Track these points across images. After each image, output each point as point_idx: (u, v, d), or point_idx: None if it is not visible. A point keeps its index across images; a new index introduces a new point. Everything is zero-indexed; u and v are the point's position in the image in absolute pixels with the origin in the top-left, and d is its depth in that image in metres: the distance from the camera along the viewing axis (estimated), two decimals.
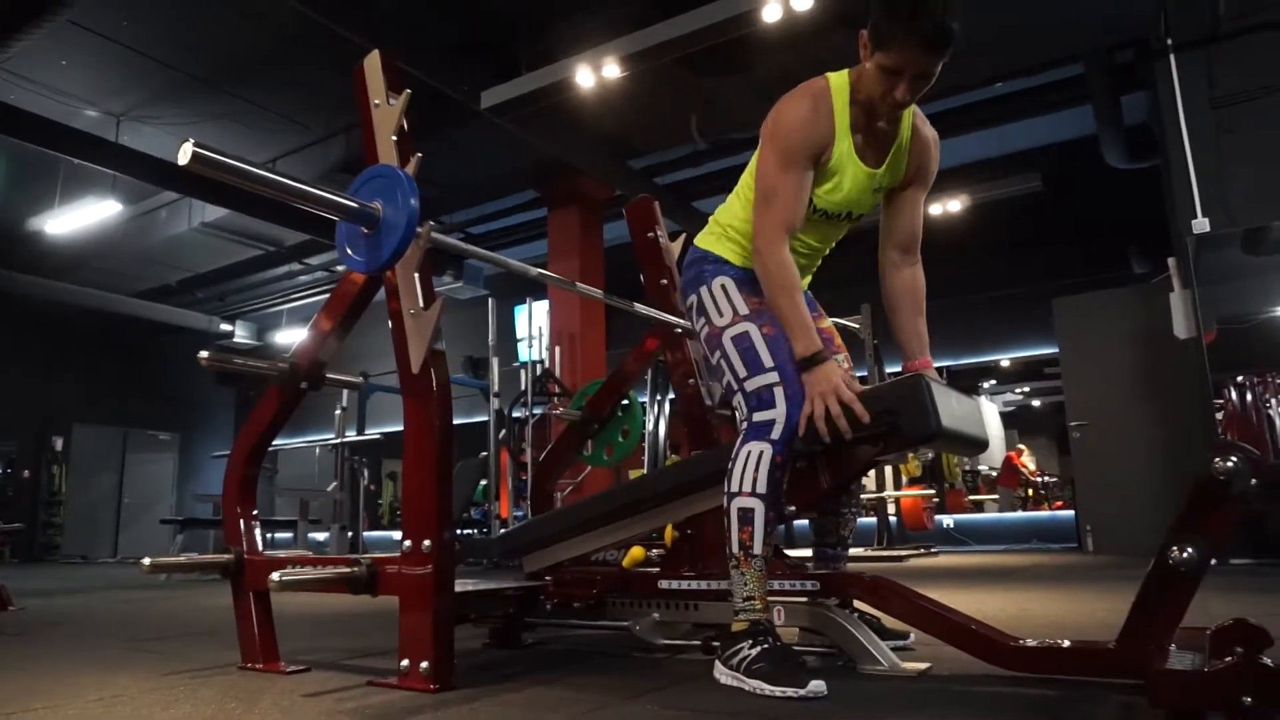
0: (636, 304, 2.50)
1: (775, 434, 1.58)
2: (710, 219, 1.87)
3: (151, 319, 11.17)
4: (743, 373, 1.65)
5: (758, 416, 1.61)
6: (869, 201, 1.80)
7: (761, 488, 1.56)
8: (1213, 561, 1.22)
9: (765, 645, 1.51)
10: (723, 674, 1.54)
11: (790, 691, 1.41)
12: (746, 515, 1.57)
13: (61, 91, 6.74)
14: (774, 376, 1.61)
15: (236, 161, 1.45)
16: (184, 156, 1.37)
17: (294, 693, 1.58)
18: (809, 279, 1.91)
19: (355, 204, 1.61)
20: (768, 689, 1.44)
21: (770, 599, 1.72)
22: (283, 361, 2.06)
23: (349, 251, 1.68)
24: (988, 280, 8.15)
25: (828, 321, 1.93)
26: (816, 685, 1.41)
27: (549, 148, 6.77)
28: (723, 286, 1.74)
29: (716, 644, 1.83)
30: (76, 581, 6.06)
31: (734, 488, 1.59)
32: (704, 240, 1.85)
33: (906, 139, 1.76)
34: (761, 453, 1.57)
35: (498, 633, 2.18)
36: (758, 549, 1.57)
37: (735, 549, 1.58)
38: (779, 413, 1.59)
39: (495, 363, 6.04)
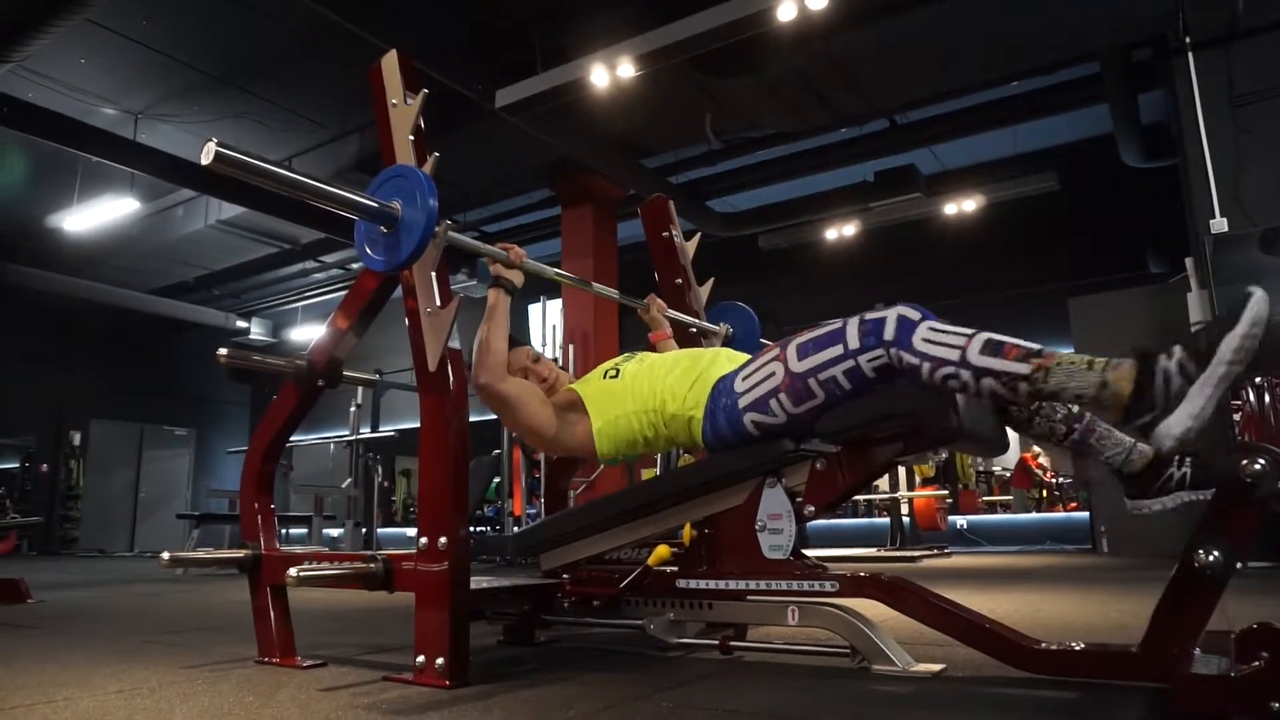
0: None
1: (915, 315, 1.49)
2: None
3: (168, 315, 11.27)
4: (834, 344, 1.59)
5: (888, 333, 1.50)
6: None
7: (966, 329, 1.43)
8: (1238, 566, 1.21)
9: (1168, 344, 1.28)
10: (1182, 418, 1.23)
11: (1248, 320, 1.19)
12: (992, 343, 1.39)
13: (80, 89, 6.80)
14: (840, 320, 1.60)
15: (258, 161, 1.46)
16: (206, 156, 1.37)
17: (310, 687, 1.59)
18: None
19: (375, 203, 1.62)
20: (1234, 339, 1.20)
21: (786, 599, 1.72)
22: (300, 359, 2.07)
23: (368, 250, 1.68)
24: (1003, 280, 8.11)
25: None
26: (1257, 298, 1.19)
27: (563, 147, 6.78)
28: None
29: (734, 643, 1.84)
30: (94, 575, 6.11)
31: (955, 357, 1.41)
32: None
33: None
34: (930, 326, 1.47)
35: (513, 629, 2.18)
36: (1035, 345, 1.37)
37: (1026, 369, 1.35)
38: (892, 311, 1.51)
39: None
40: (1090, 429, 1.60)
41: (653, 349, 2.61)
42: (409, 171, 1.66)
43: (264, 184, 1.49)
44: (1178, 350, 1.26)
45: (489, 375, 1.87)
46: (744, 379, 1.75)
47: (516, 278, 1.94)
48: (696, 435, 1.83)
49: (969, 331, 1.44)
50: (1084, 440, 1.59)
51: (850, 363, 1.56)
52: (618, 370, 1.99)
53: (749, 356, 1.84)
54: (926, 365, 1.45)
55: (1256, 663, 1.13)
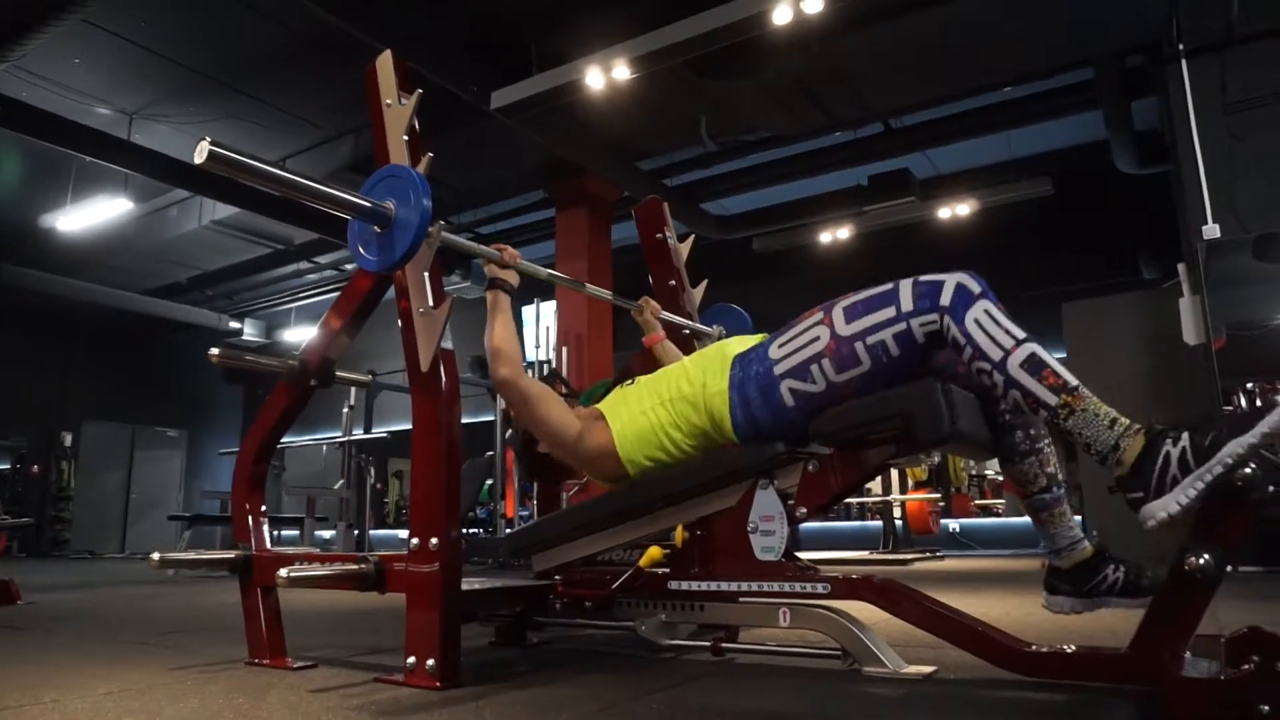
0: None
1: (976, 288, 1.48)
2: None
3: (161, 316, 11.22)
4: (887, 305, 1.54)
5: (945, 298, 1.48)
6: None
7: (1019, 333, 1.41)
8: (1228, 569, 1.21)
9: (1182, 430, 1.27)
10: (1168, 504, 1.25)
11: (1260, 431, 1.16)
12: (1033, 361, 1.38)
13: (74, 89, 6.78)
14: (891, 283, 1.56)
15: (253, 161, 1.45)
16: (200, 155, 1.37)
17: (301, 688, 1.58)
18: None
19: (369, 203, 1.61)
20: (1238, 446, 1.18)
21: (778, 601, 1.71)
22: (292, 359, 2.07)
23: (361, 250, 1.68)
24: (996, 284, 7.88)
25: None
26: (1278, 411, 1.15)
27: (558, 149, 6.78)
28: None
29: (725, 645, 1.84)
30: (85, 576, 6.08)
31: (996, 356, 1.40)
32: None
33: None
34: (986, 309, 1.45)
35: (504, 631, 2.18)
36: (1073, 380, 1.36)
37: (1054, 400, 1.35)
38: (951, 278, 1.49)
39: None
40: (1059, 503, 1.60)
41: (647, 353, 2.61)
42: (402, 171, 1.66)
43: (257, 183, 1.49)
44: (1185, 438, 1.27)
45: (510, 368, 1.83)
46: (780, 345, 1.67)
47: (512, 278, 1.93)
48: (723, 414, 1.72)
49: (1020, 335, 1.42)
50: (1048, 508, 1.60)
51: (902, 325, 1.51)
52: (633, 380, 1.96)
53: (765, 337, 1.78)
54: (969, 350, 1.44)
55: (1246, 666, 1.13)
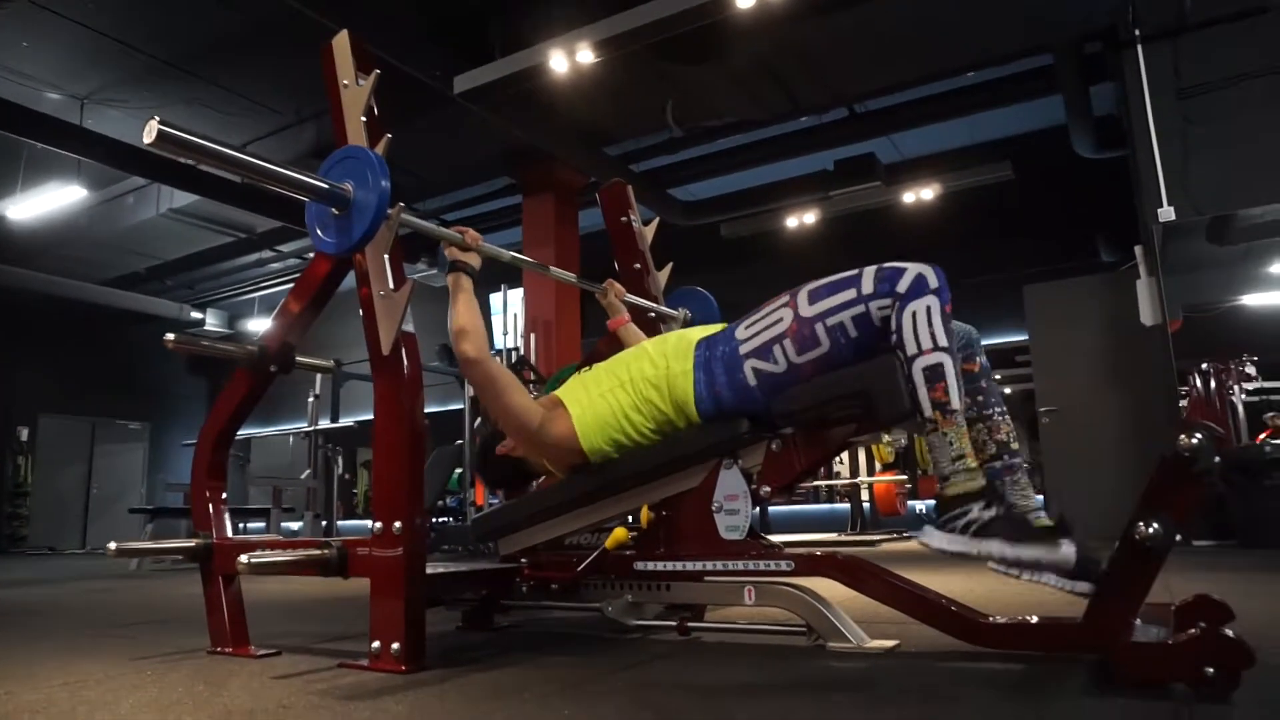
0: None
1: (933, 283, 1.51)
2: None
3: (120, 307, 10.99)
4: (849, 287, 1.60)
5: (902, 285, 1.52)
6: None
7: (942, 340, 1.48)
8: (1177, 539, 1.24)
9: (1000, 508, 1.43)
10: (941, 539, 1.45)
11: (1039, 554, 1.30)
12: (935, 371, 1.47)
13: (22, 74, 6.59)
14: (856, 269, 1.61)
15: (204, 141, 1.43)
16: (149, 135, 1.34)
17: (264, 675, 1.57)
18: None
19: (325, 185, 1.59)
20: (1010, 551, 1.33)
21: (743, 579, 1.73)
22: (251, 344, 2.04)
23: (320, 233, 1.65)
24: (959, 268, 8.10)
25: None
26: (1067, 550, 1.30)
27: (523, 134, 6.72)
28: None
29: (692, 624, 1.85)
30: (44, 572, 5.96)
31: (910, 351, 1.49)
32: None
33: None
34: (928, 306, 1.50)
35: (471, 615, 2.18)
36: (956, 404, 1.47)
37: (929, 410, 1.47)
38: (914, 268, 1.53)
39: None
40: (1010, 471, 1.67)
41: (612, 336, 2.61)
42: (360, 152, 1.63)
43: (210, 164, 1.46)
44: (989, 512, 1.44)
45: (475, 347, 1.79)
46: (747, 326, 1.71)
47: (474, 260, 1.90)
48: (687, 394, 1.75)
49: (941, 343, 1.48)
50: (998, 477, 1.67)
51: (861, 308, 1.57)
52: (590, 367, 1.97)
53: (726, 326, 1.82)
54: (895, 336, 1.52)
55: (1193, 631, 1.16)
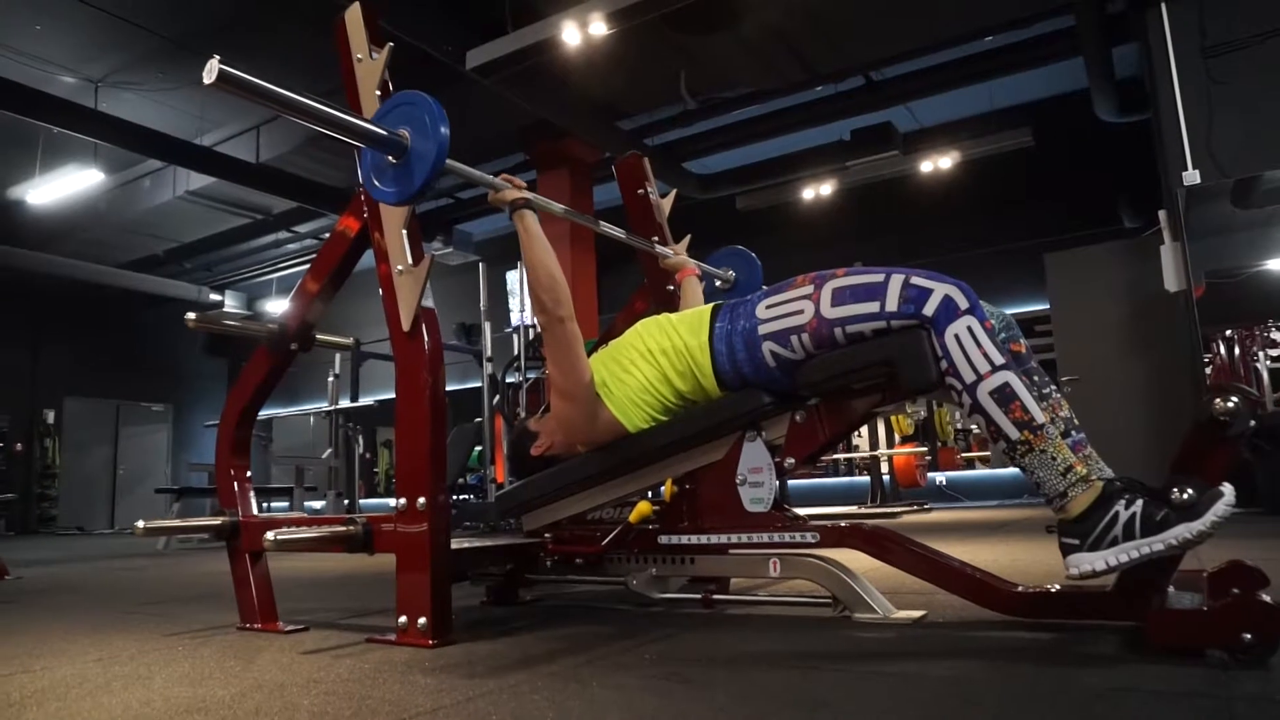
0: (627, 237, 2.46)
1: (963, 304, 1.46)
2: None
3: (140, 290, 11.08)
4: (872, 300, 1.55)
5: (929, 308, 1.47)
6: None
7: (997, 358, 1.41)
8: None
9: (1142, 493, 1.29)
10: (1102, 558, 1.28)
11: (1220, 511, 1.19)
12: (1004, 392, 1.39)
13: (37, 57, 6.61)
14: (884, 273, 1.55)
15: (262, 83, 1.38)
16: (210, 74, 1.29)
17: (292, 650, 1.58)
18: None
19: (384, 131, 1.54)
20: (1195, 526, 1.20)
21: (768, 551, 1.72)
22: (271, 323, 2.04)
23: (376, 183, 1.60)
24: (979, 236, 8.13)
25: None
26: (1227, 501, 1.19)
27: (537, 109, 6.68)
28: None
29: (716, 597, 1.85)
30: (74, 552, 6.06)
31: (968, 378, 1.41)
32: None
33: None
34: (969, 327, 1.44)
35: (495, 590, 2.19)
36: (1039, 417, 1.37)
37: (1015, 434, 1.38)
38: (940, 289, 1.48)
39: (488, 328, 6.03)
40: (1083, 445, 1.63)
41: (629, 311, 2.60)
42: (417, 98, 1.56)
43: (268, 106, 1.41)
44: (1138, 505, 1.28)
45: (567, 309, 1.76)
46: (768, 306, 1.68)
47: (527, 194, 1.84)
48: (706, 365, 1.75)
49: (998, 361, 1.41)
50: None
51: (882, 324, 1.54)
52: (609, 345, 1.96)
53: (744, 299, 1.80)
54: (945, 362, 1.45)
55: (1229, 597, 1.14)
